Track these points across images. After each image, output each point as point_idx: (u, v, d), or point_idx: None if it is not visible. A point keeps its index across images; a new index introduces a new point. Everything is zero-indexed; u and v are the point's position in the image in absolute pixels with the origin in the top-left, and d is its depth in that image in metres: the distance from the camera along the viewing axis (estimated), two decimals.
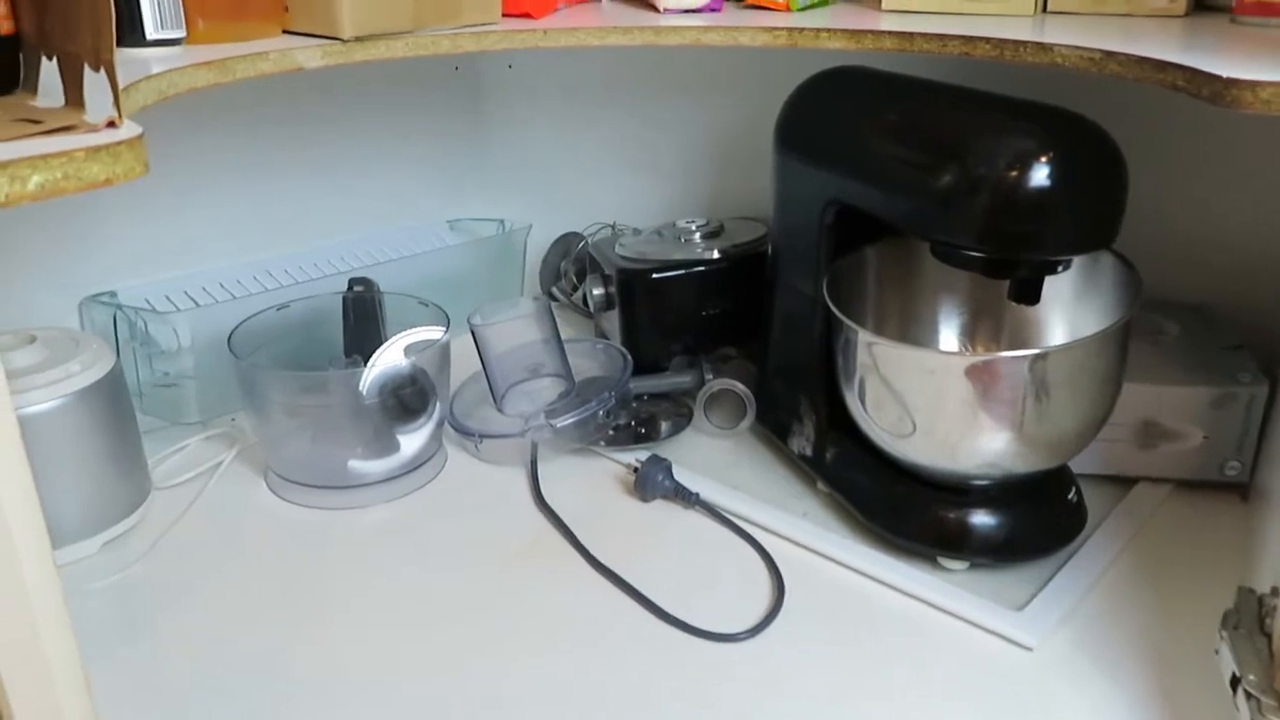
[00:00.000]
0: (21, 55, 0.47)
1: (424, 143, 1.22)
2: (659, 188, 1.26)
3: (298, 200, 1.10)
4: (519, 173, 1.33)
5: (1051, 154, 0.66)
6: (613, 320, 1.07)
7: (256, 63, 0.66)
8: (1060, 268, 0.71)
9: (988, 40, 0.71)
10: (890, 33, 0.77)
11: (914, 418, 0.72)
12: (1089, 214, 0.67)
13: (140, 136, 0.38)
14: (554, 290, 1.28)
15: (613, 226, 1.27)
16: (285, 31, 0.75)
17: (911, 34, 0.75)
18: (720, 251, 1.03)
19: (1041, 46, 0.68)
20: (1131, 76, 0.62)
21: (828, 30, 0.79)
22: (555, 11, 0.88)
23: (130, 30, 0.64)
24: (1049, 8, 0.86)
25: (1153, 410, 0.82)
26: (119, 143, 0.37)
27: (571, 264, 1.27)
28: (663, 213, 1.26)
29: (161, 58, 0.64)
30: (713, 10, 0.90)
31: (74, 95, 0.42)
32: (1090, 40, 0.70)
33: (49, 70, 0.44)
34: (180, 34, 0.66)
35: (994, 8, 0.85)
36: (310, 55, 0.70)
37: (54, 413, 0.75)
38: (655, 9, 0.91)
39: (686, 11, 0.90)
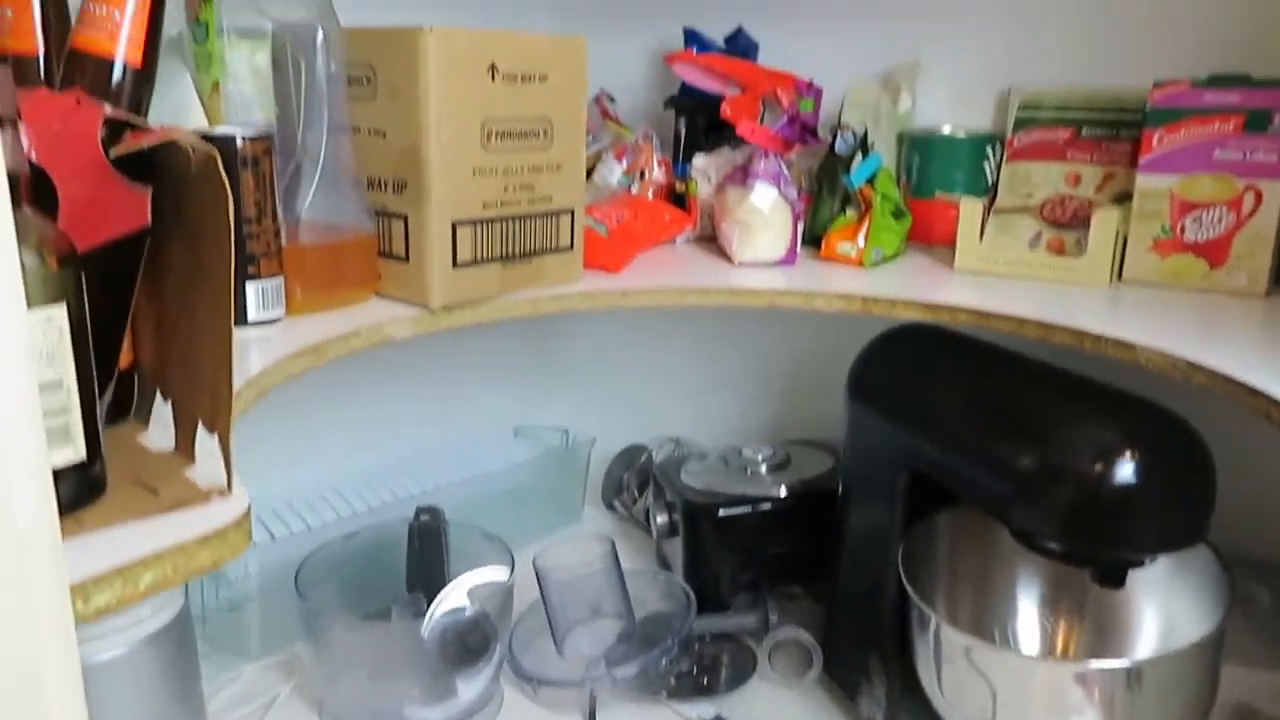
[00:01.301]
0: (136, 379, 0.49)
1: (490, 347, 1.24)
2: (726, 403, 1.26)
3: (363, 414, 1.12)
4: (585, 380, 1.34)
5: (1137, 450, 0.65)
6: (675, 547, 1.06)
7: (349, 341, 0.69)
8: (1147, 560, 0.69)
9: (1066, 329, 0.72)
10: (966, 309, 0.77)
11: (997, 713, 0.69)
12: (1176, 513, 0.66)
13: (247, 513, 0.39)
14: (615, 503, 1.28)
15: (677, 441, 1.28)
16: (376, 294, 0.78)
17: (988, 313, 0.76)
18: (788, 488, 1.02)
19: (1123, 344, 0.68)
20: (1219, 390, 0.62)
21: (903, 301, 0.80)
22: (631, 261, 0.91)
23: (235, 315, 0.67)
24: (1124, 275, 0.87)
25: (1247, 693, 0.78)
26: (228, 526, 0.38)
27: (634, 476, 1.27)
28: (729, 428, 1.26)
29: (260, 339, 0.67)
30: (787, 264, 0.92)
31: (185, 444, 0.44)
32: (1167, 323, 0.71)
33: (163, 409, 0.46)
34: (279, 313, 0.69)
35: (1069, 276, 0.86)
36: (400, 327, 0.73)
37: (121, 661, 0.75)
38: (730, 260, 0.94)
39: (761, 265, 0.92)
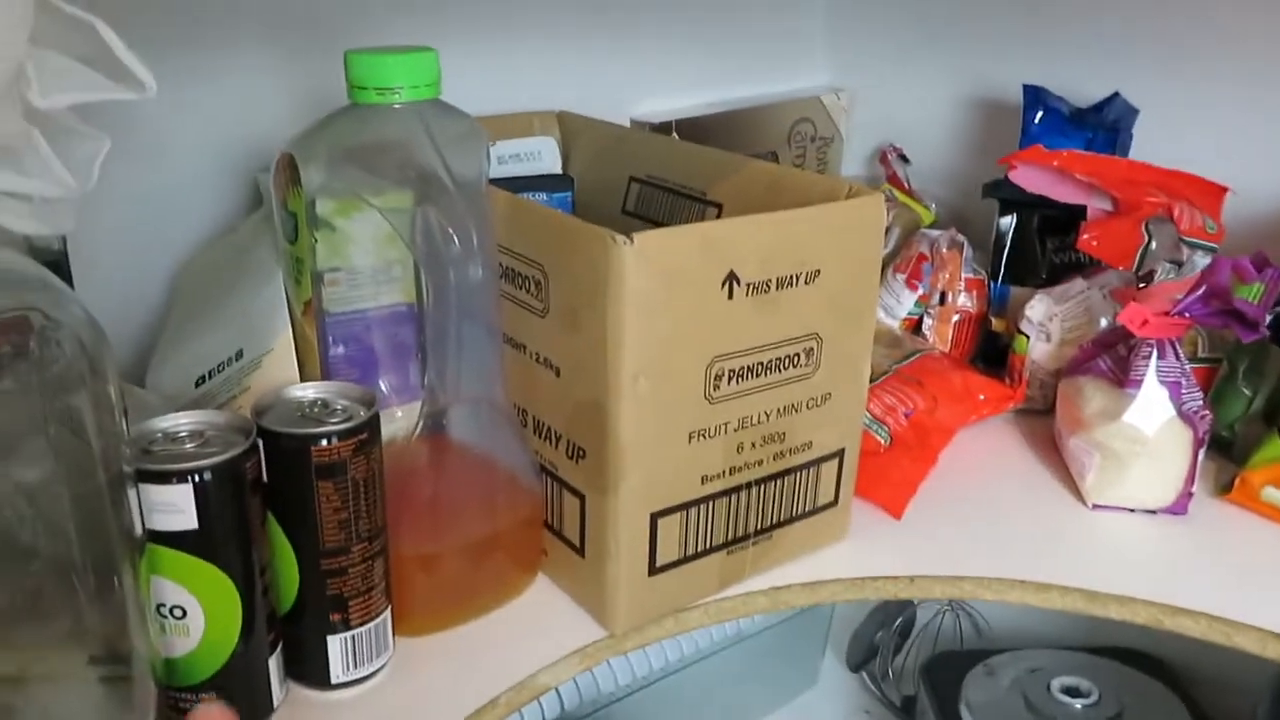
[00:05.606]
0: None
1: None
2: None
3: None
4: None
5: None
6: None
7: (483, 716, 0.45)
8: None
9: None
10: None
11: None
12: None
13: None
14: (864, 673, 1.00)
15: (951, 605, 0.98)
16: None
17: None
18: None
19: None
20: None
21: None
22: (921, 485, 0.61)
23: (311, 674, 0.44)
24: None
25: None
26: None
27: (893, 637, 0.99)
28: None
29: (344, 704, 0.44)
30: (1174, 513, 0.59)
31: None
32: None
33: None
34: (382, 662, 0.46)
35: None
36: (562, 671, 0.47)
37: None
38: (1078, 495, 0.61)
39: (1131, 510, 0.59)
